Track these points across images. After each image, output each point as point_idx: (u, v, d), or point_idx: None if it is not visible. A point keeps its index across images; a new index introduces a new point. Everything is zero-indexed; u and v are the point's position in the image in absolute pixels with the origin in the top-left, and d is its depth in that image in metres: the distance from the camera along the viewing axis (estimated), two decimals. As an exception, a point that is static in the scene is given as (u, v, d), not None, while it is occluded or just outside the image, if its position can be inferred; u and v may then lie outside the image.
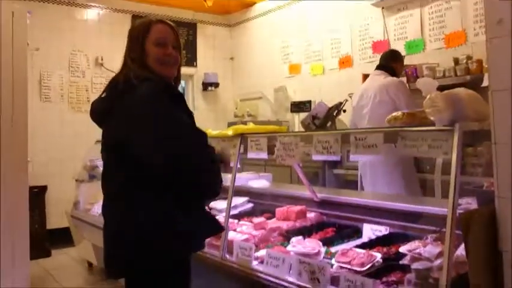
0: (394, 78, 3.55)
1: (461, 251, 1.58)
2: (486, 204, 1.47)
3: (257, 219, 2.77)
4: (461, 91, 1.59)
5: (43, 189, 5.21)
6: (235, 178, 2.58)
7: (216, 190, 1.61)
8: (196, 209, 1.64)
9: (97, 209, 3.88)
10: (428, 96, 1.53)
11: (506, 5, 1.39)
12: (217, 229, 1.76)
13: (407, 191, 3.34)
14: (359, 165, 3.77)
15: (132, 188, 1.56)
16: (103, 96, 1.71)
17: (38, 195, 5.07)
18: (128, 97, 1.55)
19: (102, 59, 5.90)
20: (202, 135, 1.60)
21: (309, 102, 5.38)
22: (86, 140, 4.71)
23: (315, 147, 1.98)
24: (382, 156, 3.19)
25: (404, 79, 4.17)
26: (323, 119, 4.36)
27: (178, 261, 1.61)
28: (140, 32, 1.66)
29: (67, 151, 5.52)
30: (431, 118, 1.51)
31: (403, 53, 4.63)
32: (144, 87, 1.54)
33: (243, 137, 2.57)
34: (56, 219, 5.19)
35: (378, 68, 3.72)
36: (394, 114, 1.74)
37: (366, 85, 3.70)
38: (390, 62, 3.69)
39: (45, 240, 5.09)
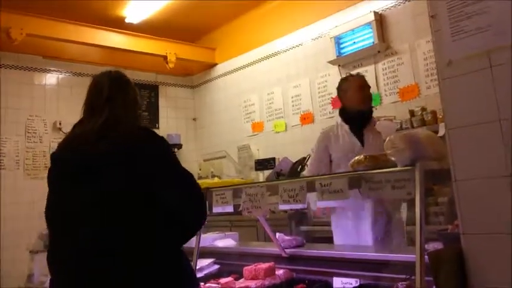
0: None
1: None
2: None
3: (224, 280, 2.65)
4: (419, 132, 1.62)
5: (-6, 265, 4.84)
6: (200, 238, 2.48)
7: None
8: None
9: (52, 280, 3.61)
10: (388, 138, 1.54)
11: (454, 47, 1.45)
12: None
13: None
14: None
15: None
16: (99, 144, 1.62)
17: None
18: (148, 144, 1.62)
19: (60, 124, 5.77)
20: None
21: (273, 159, 5.40)
22: (43, 209, 4.46)
23: (281, 197, 1.94)
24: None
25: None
26: (288, 175, 4.34)
27: None
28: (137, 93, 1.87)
29: (22, 221, 5.22)
30: (393, 159, 1.52)
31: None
32: (158, 136, 1.67)
33: (207, 191, 2.51)
34: (7, 298, 4.79)
35: None
36: (356, 158, 1.74)
37: None
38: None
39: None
